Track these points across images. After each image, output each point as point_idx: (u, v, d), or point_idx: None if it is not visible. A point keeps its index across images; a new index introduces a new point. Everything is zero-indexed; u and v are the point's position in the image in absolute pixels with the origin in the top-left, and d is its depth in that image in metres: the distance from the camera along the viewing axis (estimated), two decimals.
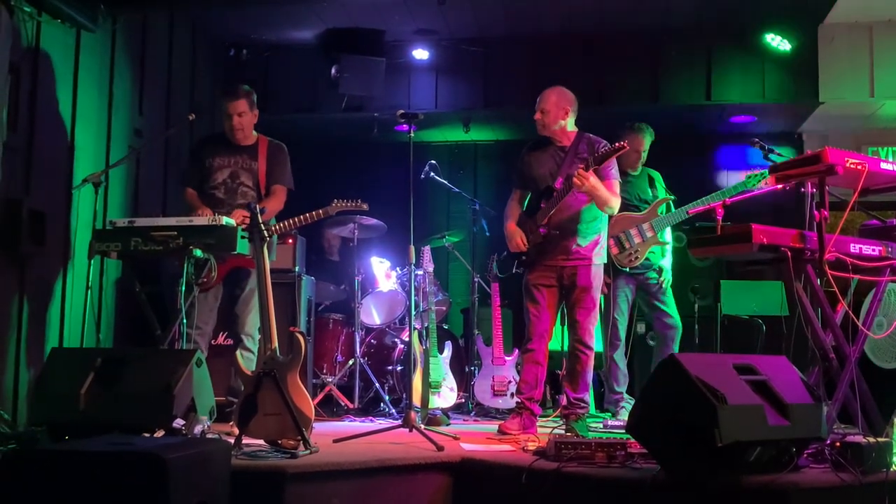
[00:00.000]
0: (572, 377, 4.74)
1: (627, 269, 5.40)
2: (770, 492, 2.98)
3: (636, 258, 5.37)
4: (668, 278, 5.59)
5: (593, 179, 4.48)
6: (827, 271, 3.63)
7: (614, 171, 4.74)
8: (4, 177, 4.23)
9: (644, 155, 5.62)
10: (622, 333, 5.51)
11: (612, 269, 5.37)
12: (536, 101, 4.84)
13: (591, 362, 4.74)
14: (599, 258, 4.78)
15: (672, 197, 5.53)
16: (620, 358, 5.52)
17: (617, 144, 4.43)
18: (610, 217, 4.95)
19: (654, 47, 7.14)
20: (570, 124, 4.83)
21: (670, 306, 5.55)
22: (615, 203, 4.70)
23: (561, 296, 4.81)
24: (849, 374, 3.74)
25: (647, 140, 5.60)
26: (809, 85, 6.90)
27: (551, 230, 4.70)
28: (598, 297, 4.81)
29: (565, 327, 4.96)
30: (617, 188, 4.74)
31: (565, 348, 4.99)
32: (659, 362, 3.27)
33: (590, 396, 5.03)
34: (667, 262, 5.63)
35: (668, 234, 5.61)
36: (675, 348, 5.47)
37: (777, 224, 3.74)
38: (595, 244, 4.76)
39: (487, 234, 6.56)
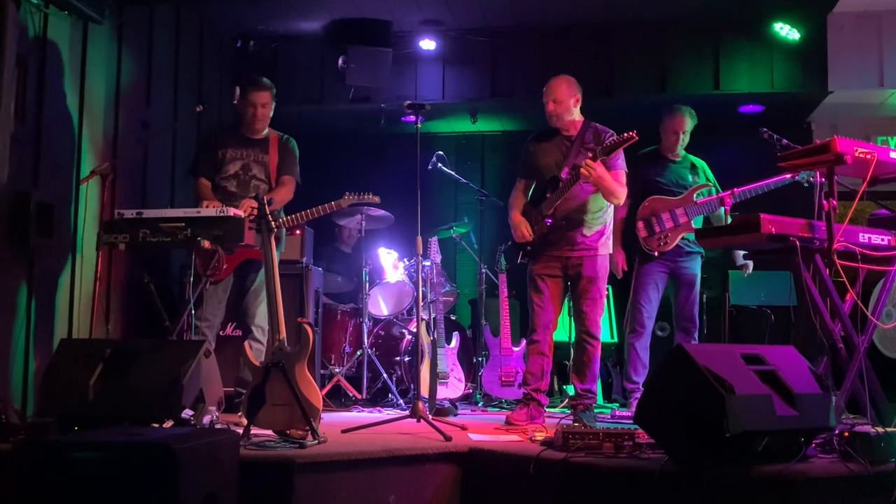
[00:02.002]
0: (579, 368, 4.74)
1: (656, 254, 5.23)
2: (778, 482, 2.98)
3: (666, 243, 5.20)
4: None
5: (600, 169, 4.48)
6: (836, 261, 3.62)
7: (621, 161, 4.72)
8: (12, 169, 4.24)
9: (685, 138, 5.42)
10: (647, 322, 5.32)
11: (641, 253, 5.28)
12: (545, 91, 4.82)
13: (598, 353, 4.74)
14: (605, 248, 4.76)
15: (710, 185, 5.36)
16: (643, 347, 5.32)
17: (626, 135, 4.40)
18: (644, 202, 4.95)
19: (662, 37, 7.10)
20: (577, 113, 4.82)
21: (693, 302, 5.38)
22: (622, 194, 4.68)
23: (566, 286, 4.81)
24: (857, 364, 3.73)
25: (688, 122, 5.39)
26: (818, 74, 6.86)
27: (557, 220, 4.69)
28: (605, 287, 4.79)
29: (572, 318, 4.94)
30: (624, 179, 4.72)
31: (572, 339, 4.98)
32: (667, 352, 3.27)
33: (597, 387, 5.02)
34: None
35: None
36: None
37: (785, 214, 3.74)
38: (601, 234, 4.75)
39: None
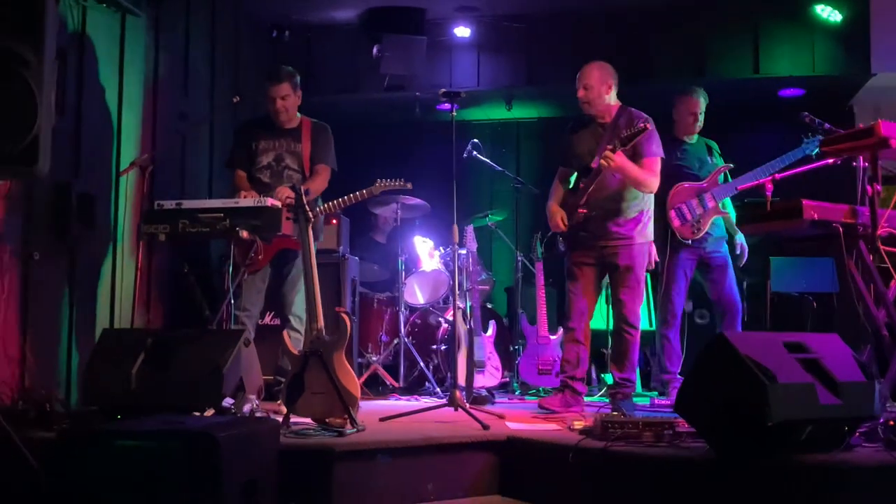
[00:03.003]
0: (618, 357, 4.71)
1: (690, 242, 5.18)
2: (821, 471, 2.94)
3: (698, 229, 5.14)
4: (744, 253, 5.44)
5: (620, 159, 4.43)
6: (880, 247, 3.56)
7: (655, 147, 4.65)
8: (53, 160, 4.28)
9: (701, 118, 5.37)
10: (678, 311, 5.28)
11: (671, 242, 5.20)
12: (577, 77, 4.78)
13: (637, 342, 4.70)
14: (642, 237, 4.70)
15: (730, 165, 5.32)
16: (676, 336, 5.29)
17: (640, 126, 4.39)
18: (671, 190, 4.93)
19: (701, 19, 7.01)
20: (612, 98, 4.77)
21: (731, 285, 5.32)
22: (651, 182, 4.62)
23: (602, 275, 4.77)
24: None
25: (701, 102, 5.35)
26: (861, 56, 6.72)
27: (590, 210, 4.64)
28: (643, 275, 4.74)
29: (610, 306, 4.90)
30: (655, 166, 4.65)
31: (610, 327, 4.94)
32: (708, 340, 3.23)
33: (637, 375, 4.98)
34: (740, 237, 5.43)
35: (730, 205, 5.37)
36: (736, 328, 5.29)
37: (828, 199, 3.68)
38: (637, 223, 4.68)
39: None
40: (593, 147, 4.67)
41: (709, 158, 5.37)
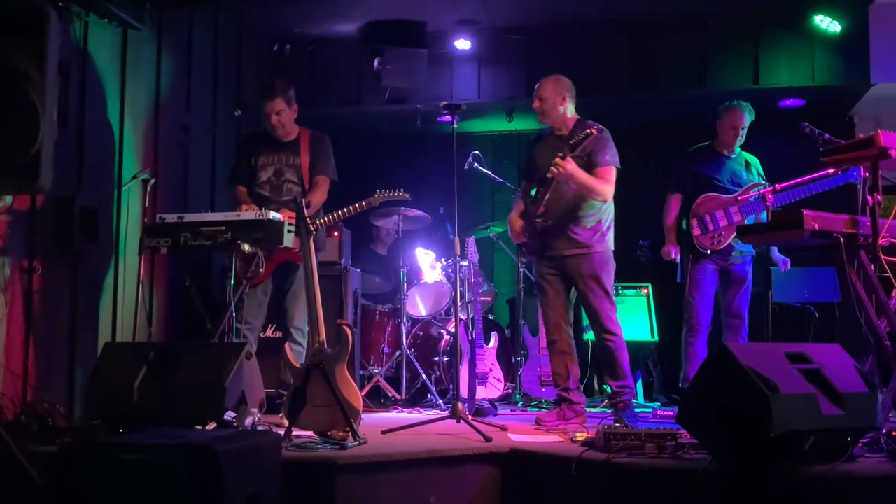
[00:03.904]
0: (608, 366, 4.70)
1: (709, 252, 5.20)
2: (824, 482, 2.94)
3: (718, 241, 5.16)
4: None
5: (569, 166, 4.45)
6: (881, 257, 3.57)
7: (609, 157, 4.67)
8: (56, 174, 4.29)
9: (743, 133, 5.36)
10: (703, 319, 5.26)
11: (692, 252, 5.22)
12: (534, 90, 4.84)
13: (622, 346, 4.67)
14: (601, 246, 4.70)
15: (765, 183, 5.31)
16: (702, 345, 5.23)
17: (587, 131, 4.43)
18: (697, 199, 4.95)
19: (701, 31, 7.02)
20: (569, 111, 4.81)
21: (742, 300, 5.32)
22: (603, 190, 4.62)
23: (568, 284, 4.79)
24: None
25: (745, 117, 5.34)
26: (861, 67, 6.73)
27: (547, 219, 4.66)
28: (610, 282, 4.71)
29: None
30: (609, 175, 4.65)
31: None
32: (709, 352, 3.24)
33: (636, 383, 4.97)
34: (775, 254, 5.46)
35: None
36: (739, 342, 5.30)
37: (829, 210, 3.68)
38: (594, 232, 4.69)
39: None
40: (551, 159, 4.68)
41: (745, 174, 5.36)
